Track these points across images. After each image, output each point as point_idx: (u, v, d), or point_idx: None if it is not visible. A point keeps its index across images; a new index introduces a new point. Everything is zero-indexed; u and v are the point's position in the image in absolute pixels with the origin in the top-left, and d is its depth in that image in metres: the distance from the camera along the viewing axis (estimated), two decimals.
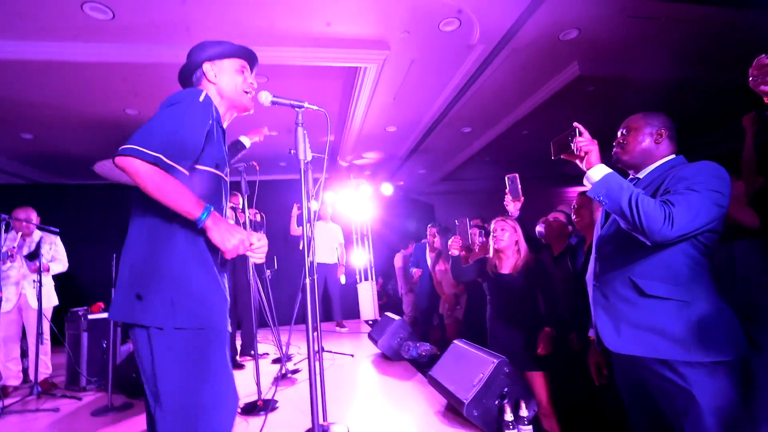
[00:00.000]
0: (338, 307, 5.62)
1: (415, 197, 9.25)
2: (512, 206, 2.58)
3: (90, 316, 3.60)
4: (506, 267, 2.59)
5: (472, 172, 8.07)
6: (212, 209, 1.22)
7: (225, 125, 1.49)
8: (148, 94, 4.13)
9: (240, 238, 1.25)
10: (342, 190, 6.70)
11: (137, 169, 1.15)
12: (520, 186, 2.52)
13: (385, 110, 4.98)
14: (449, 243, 2.76)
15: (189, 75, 1.47)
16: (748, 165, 2.01)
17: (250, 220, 4.21)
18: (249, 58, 1.51)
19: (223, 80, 1.44)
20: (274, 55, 3.59)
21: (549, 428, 2.37)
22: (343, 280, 5.76)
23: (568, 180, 9.10)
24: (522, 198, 2.55)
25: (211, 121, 1.32)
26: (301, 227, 5.13)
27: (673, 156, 1.53)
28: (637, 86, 4.60)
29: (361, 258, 6.76)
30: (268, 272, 3.83)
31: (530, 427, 2.01)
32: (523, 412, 2.02)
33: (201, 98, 1.30)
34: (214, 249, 1.31)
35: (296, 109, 1.57)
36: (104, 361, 3.46)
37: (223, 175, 1.40)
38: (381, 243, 7.21)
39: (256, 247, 1.29)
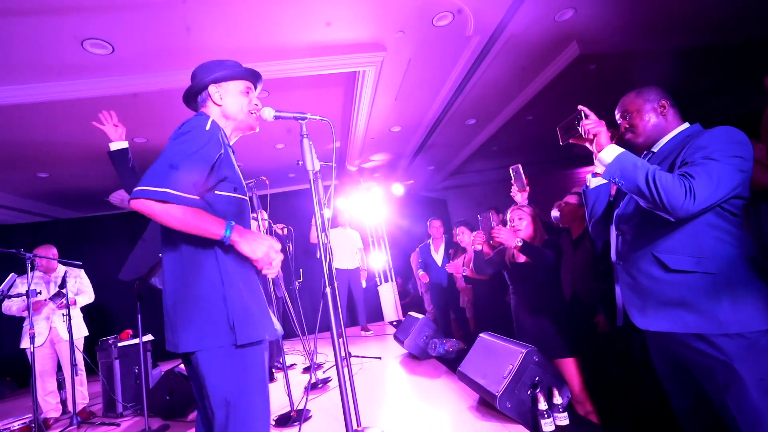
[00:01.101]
0: (363, 311, 5.65)
1: (427, 194, 9.22)
2: (519, 197, 2.61)
3: (120, 344, 3.67)
4: (523, 255, 2.56)
5: (481, 163, 8.01)
6: (234, 223, 1.26)
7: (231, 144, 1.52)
8: (155, 121, 4.22)
9: (268, 245, 1.29)
10: (353, 195, 6.71)
11: (151, 209, 1.20)
12: (524, 176, 2.51)
13: (388, 111, 4.98)
14: (472, 238, 2.76)
15: (194, 96, 1.50)
16: None
17: (278, 235, 4.26)
18: (254, 78, 1.54)
19: (228, 102, 1.47)
20: (273, 69, 3.62)
21: (585, 414, 2.33)
22: (363, 284, 5.79)
23: (579, 161, 8.96)
24: (527, 188, 2.56)
25: (222, 148, 1.35)
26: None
27: (687, 125, 1.48)
28: (640, 59, 4.51)
29: (379, 260, 6.76)
30: (296, 284, 3.87)
31: (565, 414, 1.98)
32: (557, 399, 1.99)
33: (208, 126, 1.33)
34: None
35: (299, 121, 1.58)
36: (138, 386, 3.53)
37: (243, 197, 1.43)
38: (397, 243, 7.21)
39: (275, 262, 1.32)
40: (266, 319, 1.35)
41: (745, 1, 3.53)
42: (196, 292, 1.27)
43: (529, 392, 2.08)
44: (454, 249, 4.65)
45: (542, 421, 1.95)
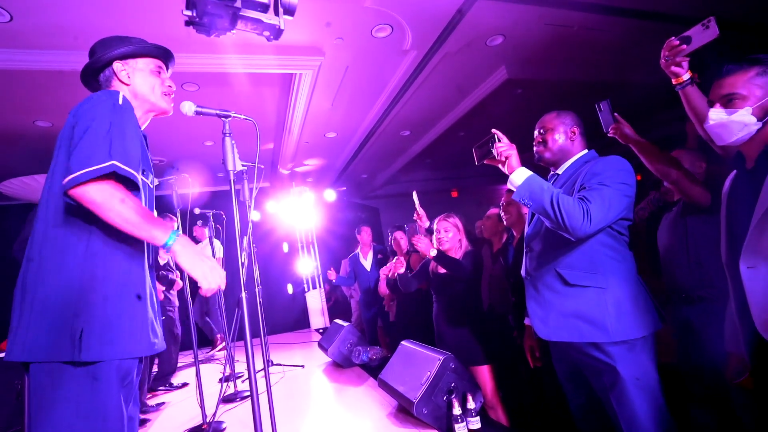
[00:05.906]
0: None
1: (360, 202, 9.25)
2: (420, 221, 2.91)
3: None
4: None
5: (414, 174, 8.22)
6: (180, 231, 1.13)
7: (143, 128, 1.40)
8: (62, 104, 3.79)
9: (220, 274, 1.15)
10: (284, 199, 6.55)
11: (92, 197, 1.02)
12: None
13: (324, 116, 4.95)
14: (393, 263, 2.92)
15: (94, 74, 1.32)
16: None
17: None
18: (165, 57, 1.40)
19: (137, 81, 1.32)
20: (204, 62, 3.44)
21: (495, 418, 2.46)
22: (290, 289, 5.63)
23: (506, 178, 9.48)
24: (422, 212, 2.88)
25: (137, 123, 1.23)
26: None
27: (586, 151, 1.67)
28: (558, 89, 4.93)
29: (308, 266, 6.64)
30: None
31: (477, 418, 2.07)
32: (471, 404, 2.08)
33: (120, 101, 1.18)
34: (140, 257, 1.21)
35: (222, 118, 1.52)
36: (19, 404, 3.10)
37: (149, 183, 1.29)
38: (327, 250, 7.14)
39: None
40: (137, 332, 1.15)
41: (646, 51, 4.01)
42: (47, 288, 1.07)
43: (445, 398, 2.15)
44: (383, 254, 4.71)
45: (456, 426, 2.03)
